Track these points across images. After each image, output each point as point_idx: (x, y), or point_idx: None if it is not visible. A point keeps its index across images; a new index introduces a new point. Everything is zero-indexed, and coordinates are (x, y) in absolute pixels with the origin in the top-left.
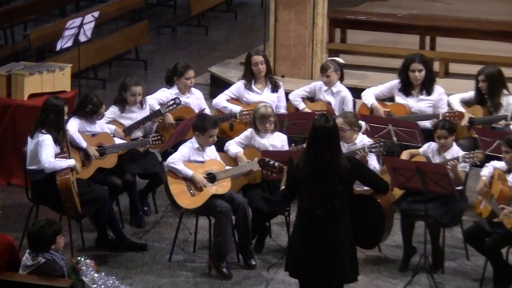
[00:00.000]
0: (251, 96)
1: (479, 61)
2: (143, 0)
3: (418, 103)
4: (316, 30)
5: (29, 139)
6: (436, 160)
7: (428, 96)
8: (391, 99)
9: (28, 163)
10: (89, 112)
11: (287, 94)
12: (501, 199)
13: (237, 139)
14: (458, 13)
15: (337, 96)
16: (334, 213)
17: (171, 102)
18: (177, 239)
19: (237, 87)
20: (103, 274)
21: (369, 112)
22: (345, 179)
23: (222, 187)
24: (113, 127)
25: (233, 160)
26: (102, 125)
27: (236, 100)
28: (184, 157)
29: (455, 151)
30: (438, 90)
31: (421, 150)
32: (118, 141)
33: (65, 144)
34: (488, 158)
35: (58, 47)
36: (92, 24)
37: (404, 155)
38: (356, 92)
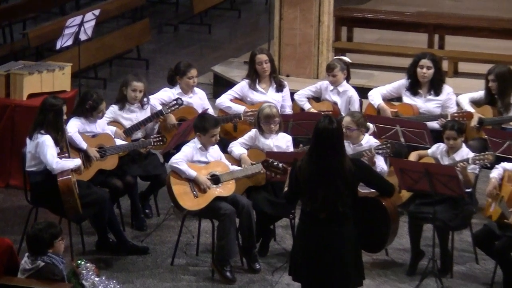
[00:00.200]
0: (255, 96)
1: (489, 60)
2: None
3: (426, 104)
4: (322, 29)
5: (27, 140)
6: (445, 161)
7: (436, 96)
8: (399, 99)
9: (27, 164)
10: (89, 109)
11: (292, 94)
12: (511, 201)
13: (241, 140)
14: (468, 10)
15: (343, 96)
16: (337, 216)
17: (173, 103)
18: (180, 242)
19: (241, 86)
20: (103, 278)
21: (376, 113)
22: (349, 182)
23: (226, 189)
24: (113, 128)
25: (237, 162)
26: (102, 126)
27: (240, 100)
28: (188, 157)
29: (465, 152)
30: (447, 90)
31: (429, 151)
32: (118, 142)
33: (64, 145)
34: (498, 160)
35: (57, 46)
36: (93, 23)
37: (412, 156)
38: (363, 91)
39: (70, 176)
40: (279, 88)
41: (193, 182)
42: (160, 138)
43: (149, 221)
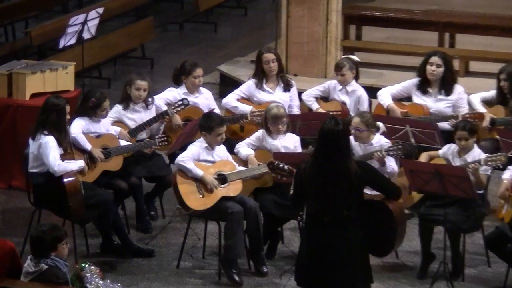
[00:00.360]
0: (262, 96)
1: (500, 59)
2: None
3: (436, 104)
4: (330, 27)
5: (30, 140)
6: (457, 162)
7: (447, 96)
8: (409, 99)
9: (30, 166)
10: (92, 107)
11: (299, 93)
12: None
13: (247, 140)
14: (479, 8)
15: (352, 95)
16: (342, 220)
17: (179, 103)
18: (186, 245)
19: (248, 86)
20: (108, 281)
21: (385, 112)
22: (354, 185)
23: (234, 189)
24: (118, 129)
25: (244, 163)
26: (107, 126)
27: (247, 99)
28: (194, 156)
29: (476, 153)
30: (458, 89)
31: (440, 152)
32: (123, 142)
33: (68, 145)
34: (510, 161)
35: (60, 45)
36: (96, 21)
37: (423, 157)
38: (372, 91)
39: (76, 177)
40: (287, 87)
41: (200, 182)
42: (165, 138)
43: (154, 223)
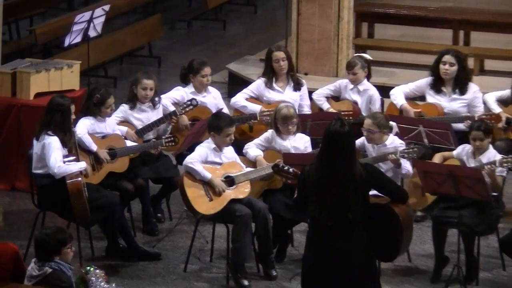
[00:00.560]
0: (272, 95)
1: None
2: None
3: (450, 103)
4: (341, 25)
5: (34, 141)
6: (471, 163)
7: (461, 95)
8: (422, 98)
9: (34, 166)
10: (97, 104)
11: (310, 93)
12: None
13: (256, 141)
14: (494, 5)
15: (364, 95)
16: (347, 224)
17: (187, 103)
18: (193, 248)
19: (257, 85)
20: (113, 285)
21: (398, 112)
22: (359, 188)
23: (242, 191)
24: (124, 128)
25: (252, 164)
26: (112, 126)
27: (256, 99)
28: (202, 157)
29: (492, 154)
30: (473, 88)
31: (454, 152)
32: (129, 143)
33: (73, 146)
34: None
35: (66, 43)
36: (102, 19)
37: (437, 158)
38: (384, 90)
39: (80, 179)
40: (297, 86)
41: (208, 185)
42: (172, 139)
43: (161, 225)
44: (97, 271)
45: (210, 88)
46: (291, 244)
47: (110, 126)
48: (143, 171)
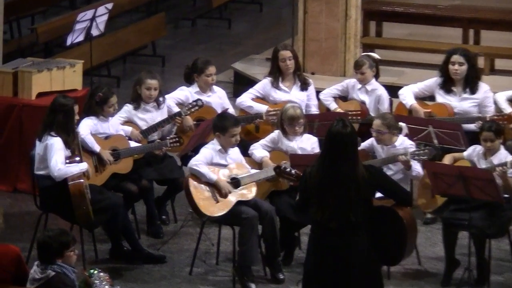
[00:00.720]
0: (278, 95)
1: None
2: None
3: (461, 103)
4: (349, 23)
5: (37, 142)
6: (482, 165)
7: (472, 95)
8: (431, 98)
9: (36, 167)
10: (99, 102)
11: (317, 92)
12: None
13: (262, 142)
14: (505, 3)
15: (372, 94)
16: (349, 226)
17: (193, 104)
18: (198, 250)
19: (263, 85)
20: None
21: (407, 112)
22: (362, 190)
23: (248, 193)
24: (129, 129)
25: (258, 165)
26: (116, 127)
27: (262, 99)
28: (207, 159)
29: (503, 155)
30: (483, 88)
31: (465, 153)
32: (133, 144)
33: (76, 147)
34: None
35: (68, 42)
36: (105, 17)
37: (447, 159)
38: (393, 90)
39: (82, 180)
40: (304, 86)
41: (213, 186)
42: (177, 139)
43: (166, 228)
44: (101, 274)
45: (215, 87)
46: (299, 247)
47: (113, 126)
48: (147, 172)
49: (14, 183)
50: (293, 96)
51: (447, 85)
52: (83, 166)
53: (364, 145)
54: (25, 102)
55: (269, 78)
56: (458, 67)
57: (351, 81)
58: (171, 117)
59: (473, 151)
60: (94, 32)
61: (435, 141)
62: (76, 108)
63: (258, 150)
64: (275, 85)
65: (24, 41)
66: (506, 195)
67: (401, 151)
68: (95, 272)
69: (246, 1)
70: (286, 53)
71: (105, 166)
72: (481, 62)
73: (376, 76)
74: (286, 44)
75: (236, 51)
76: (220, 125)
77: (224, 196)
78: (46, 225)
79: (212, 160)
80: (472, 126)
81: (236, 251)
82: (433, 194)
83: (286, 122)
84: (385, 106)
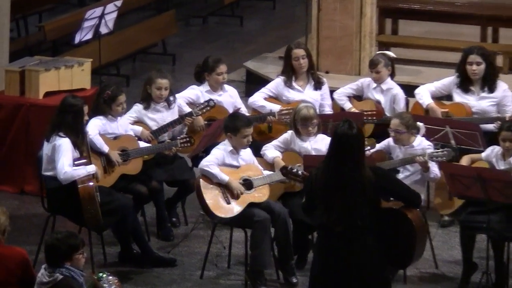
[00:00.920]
0: (291, 94)
1: None
2: None
3: (479, 102)
4: (364, 21)
5: (44, 142)
6: (501, 166)
7: (490, 94)
8: (448, 97)
9: (44, 168)
10: (107, 101)
11: (331, 91)
12: None
13: (275, 142)
14: None
15: (387, 94)
16: (356, 230)
17: (204, 104)
18: (210, 253)
19: (276, 84)
20: None
21: (423, 112)
22: (368, 191)
23: (261, 194)
24: (139, 128)
25: (270, 166)
26: (125, 127)
27: (275, 98)
28: (219, 160)
29: None
30: (502, 86)
31: (483, 154)
32: (142, 144)
33: (84, 148)
34: None
35: (76, 40)
36: (114, 14)
37: (464, 160)
38: (409, 89)
39: (92, 183)
40: (318, 85)
41: (225, 188)
42: (188, 139)
43: (176, 230)
44: (110, 277)
45: (226, 86)
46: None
47: (122, 126)
48: (157, 173)
49: (21, 184)
50: (306, 95)
51: (464, 84)
52: (91, 168)
53: (380, 145)
54: (32, 102)
55: (282, 77)
56: (476, 67)
57: (366, 80)
58: (182, 118)
59: (492, 152)
60: (103, 30)
61: (453, 142)
62: (86, 108)
63: (270, 150)
64: (288, 84)
65: (32, 39)
66: None
67: (419, 151)
68: (104, 275)
69: None
70: (300, 52)
71: (114, 167)
72: (499, 60)
73: (392, 75)
74: (299, 42)
75: (248, 49)
76: (231, 126)
77: (236, 197)
78: (54, 227)
79: (223, 161)
80: (490, 126)
81: (248, 254)
82: (450, 196)
83: (299, 122)
84: (400, 106)
